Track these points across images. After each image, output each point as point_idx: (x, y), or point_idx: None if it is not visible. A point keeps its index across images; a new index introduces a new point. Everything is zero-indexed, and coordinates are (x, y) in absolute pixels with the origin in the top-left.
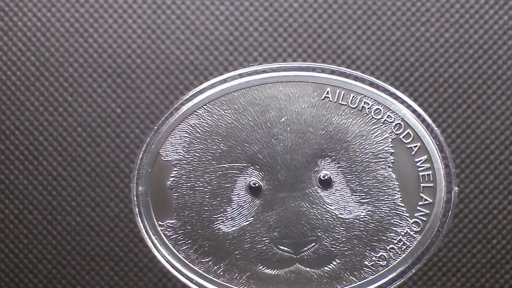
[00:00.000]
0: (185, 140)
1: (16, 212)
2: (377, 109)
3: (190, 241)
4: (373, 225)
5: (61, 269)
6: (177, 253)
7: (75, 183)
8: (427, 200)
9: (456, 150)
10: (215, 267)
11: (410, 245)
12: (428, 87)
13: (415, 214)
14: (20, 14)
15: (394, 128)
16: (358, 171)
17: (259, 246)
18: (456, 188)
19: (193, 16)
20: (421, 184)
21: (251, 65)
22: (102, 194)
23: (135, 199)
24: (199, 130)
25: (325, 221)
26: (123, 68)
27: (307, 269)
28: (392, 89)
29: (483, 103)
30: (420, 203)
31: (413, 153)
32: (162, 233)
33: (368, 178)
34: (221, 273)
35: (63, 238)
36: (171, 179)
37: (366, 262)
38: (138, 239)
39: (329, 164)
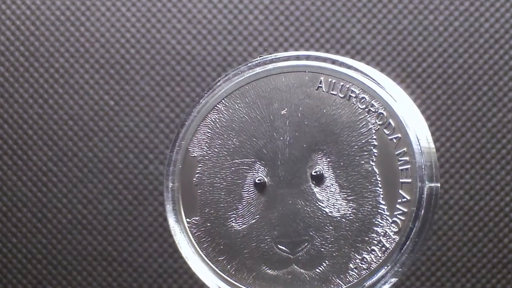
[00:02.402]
0: (208, 136)
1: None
2: (363, 97)
3: (209, 239)
4: (357, 224)
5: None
6: (200, 252)
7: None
8: (405, 198)
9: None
10: (228, 266)
11: (390, 247)
12: (436, 78)
13: (395, 213)
14: (8, 1)
15: (377, 119)
16: (345, 165)
17: (263, 245)
18: (433, 184)
19: (190, 4)
20: (400, 180)
21: (260, 56)
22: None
23: (168, 195)
24: (218, 125)
25: (317, 219)
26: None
27: (302, 270)
28: (376, 74)
29: (493, 96)
30: (399, 200)
31: (394, 145)
32: (189, 230)
33: (353, 173)
34: (233, 272)
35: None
36: (196, 175)
37: (351, 265)
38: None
39: (321, 159)
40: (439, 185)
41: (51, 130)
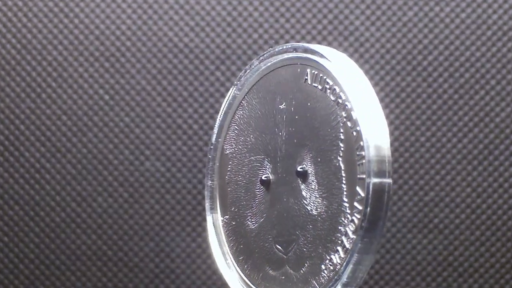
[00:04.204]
0: (235, 133)
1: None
2: (334, 89)
3: (234, 238)
4: (327, 223)
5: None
6: (229, 252)
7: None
8: (360, 195)
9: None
10: (245, 266)
11: (349, 247)
12: (443, 71)
13: (353, 211)
14: None
15: (343, 111)
16: (322, 161)
17: (267, 244)
18: (382, 180)
19: None
20: (358, 176)
21: (270, 47)
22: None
23: (208, 193)
24: (242, 122)
25: (301, 218)
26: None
27: (291, 271)
28: (346, 64)
29: (497, 93)
30: (356, 198)
31: (354, 139)
32: (222, 229)
33: (326, 169)
34: (248, 272)
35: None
36: (227, 173)
37: (322, 266)
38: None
39: (306, 155)
40: (390, 181)
41: (44, 125)
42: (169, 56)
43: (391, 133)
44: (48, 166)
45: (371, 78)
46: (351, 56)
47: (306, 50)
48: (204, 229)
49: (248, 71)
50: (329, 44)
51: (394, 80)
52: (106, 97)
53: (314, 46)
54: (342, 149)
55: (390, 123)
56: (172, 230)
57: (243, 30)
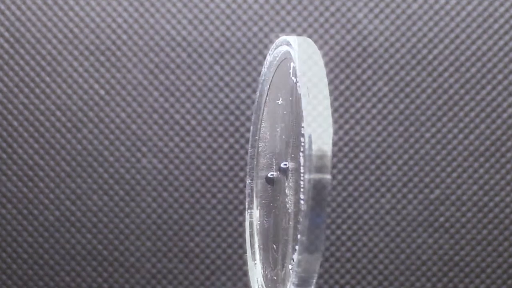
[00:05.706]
0: (263, 130)
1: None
2: (299, 82)
3: (258, 238)
4: (294, 221)
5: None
6: (257, 249)
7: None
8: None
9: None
10: (261, 264)
11: (300, 246)
12: (448, 66)
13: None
14: None
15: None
16: (294, 157)
17: (270, 244)
18: (315, 176)
19: None
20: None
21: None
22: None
23: (248, 191)
24: (265, 119)
25: (285, 216)
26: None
27: (279, 271)
28: (312, 59)
29: (505, 88)
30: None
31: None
32: (255, 227)
33: (295, 165)
34: (261, 272)
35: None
36: (259, 171)
37: (290, 266)
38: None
39: (288, 151)
40: (330, 177)
41: (38, 121)
42: (167, 49)
43: (395, 130)
44: (42, 163)
45: (374, 73)
46: (353, 50)
47: (286, 42)
48: (203, 228)
49: (265, 66)
50: (332, 38)
51: (398, 75)
52: (102, 92)
53: (289, 38)
54: (302, 144)
55: (394, 119)
56: (170, 229)
57: (243, 23)
